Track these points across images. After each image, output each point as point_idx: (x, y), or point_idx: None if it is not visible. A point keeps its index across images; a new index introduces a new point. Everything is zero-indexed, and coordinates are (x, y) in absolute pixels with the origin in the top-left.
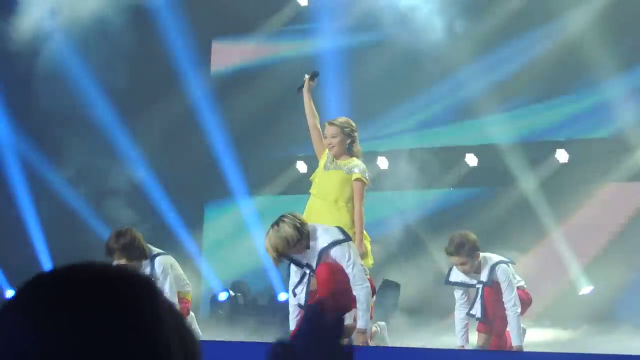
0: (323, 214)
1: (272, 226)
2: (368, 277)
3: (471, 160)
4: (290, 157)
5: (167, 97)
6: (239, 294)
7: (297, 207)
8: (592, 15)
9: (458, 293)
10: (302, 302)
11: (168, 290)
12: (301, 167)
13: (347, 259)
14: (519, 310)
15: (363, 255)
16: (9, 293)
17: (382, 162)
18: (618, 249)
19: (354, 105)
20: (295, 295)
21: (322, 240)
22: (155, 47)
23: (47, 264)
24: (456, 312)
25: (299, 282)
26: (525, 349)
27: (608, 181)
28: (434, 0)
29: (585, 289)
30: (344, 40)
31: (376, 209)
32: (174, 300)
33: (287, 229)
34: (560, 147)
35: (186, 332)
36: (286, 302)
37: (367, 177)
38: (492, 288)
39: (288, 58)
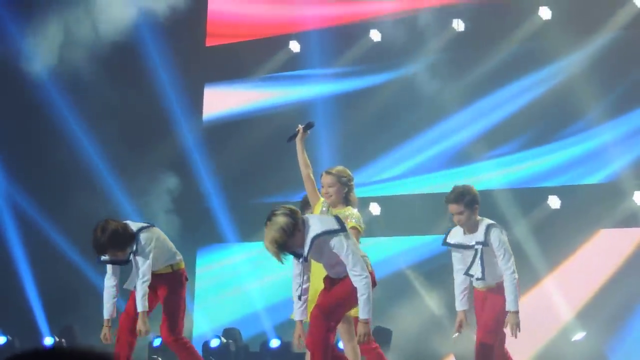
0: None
1: (266, 223)
2: (370, 270)
3: None
4: (282, 202)
5: (159, 143)
6: (231, 341)
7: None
8: (582, 63)
9: (456, 257)
10: (300, 293)
11: (141, 276)
12: None
13: (345, 249)
14: (517, 276)
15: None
16: (0, 340)
17: (374, 208)
18: (610, 294)
19: (345, 152)
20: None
21: (314, 228)
22: (148, 94)
23: (38, 309)
24: (455, 277)
25: (300, 273)
26: None
27: (600, 227)
28: (423, 47)
29: (578, 334)
30: (336, 87)
31: (368, 255)
32: (148, 276)
33: (280, 219)
34: (553, 194)
35: None
36: (278, 348)
37: (362, 226)
38: (490, 247)
39: (280, 104)
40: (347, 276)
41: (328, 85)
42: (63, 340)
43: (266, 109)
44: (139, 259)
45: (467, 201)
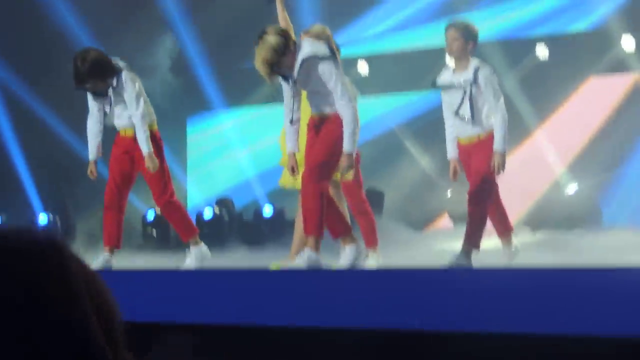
0: (304, 119)
1: (257, 42)
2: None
3: (451, 61)
4: None
5: (141, 12)
6: (224, 209)
7: (279, 115)
8: None
9: (445, 102)
10: (292, 118)
11: (140, 117)
12: None
13: (334, 77)
14: (507, 117)
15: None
16: None
17: (362, 67)
18: (601, 143)
19: (329, 9)
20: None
21: (305, 50)
22: None
23: (30, 188)
24: (445, 122)
25: (293, 99)
26: (517, 255)
27: (590, 74)
28: None
29: (571, 187)
30: None
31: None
32: (145, 128)
33: (270, 37)
34: (540, 43)
35: (101, 295)
36: (271, 217)
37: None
38: (479, 88)
39: None
40: (330, 116)
41: None
42: (57, 217)
43: None
44: (129, 98)
45: (467, 31)
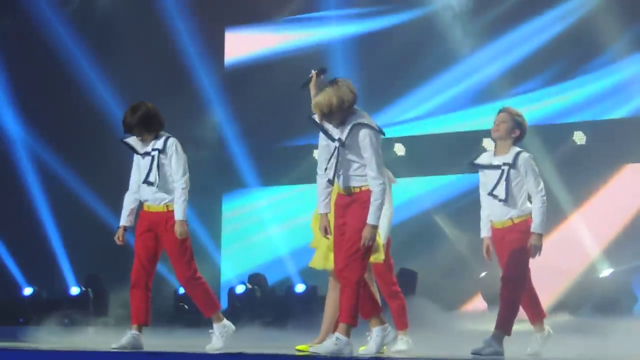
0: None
1: (331, 84)
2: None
3: (488, 144)
4: (307, 146)
5: (181, 90)
6: (256, 287)
7: (312, 196)
8: None
9: (482, 183)
10: (331, 177)
11: (184, 184)
12: None
13: (372, 147)
14: (545, 200)
15: (375, 249)
16: (27, 291)
17: (399, 149)
18: (637, 230)
19: (368, 93)
20: (325, 170)
21: (358, 118)
22: (168, 40)
23: (63, 260)
24: (481, 202)
25: (330, 157)
26: (549, 340)
27: (626, 162)
28: None
29: (605, 271)
30: (356, 28)
31: (393, 196)
32: (185, 197)
33: (346, 90)
34: (578, 129)
35: None
36: (303, 293)
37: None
38: (517, 172)
39: (301, 46)
40: (358, 191)
41: (348, 27)
42: (89, 289)
43: (287, 51)
44: (176, 164)
45: (517, 120)
